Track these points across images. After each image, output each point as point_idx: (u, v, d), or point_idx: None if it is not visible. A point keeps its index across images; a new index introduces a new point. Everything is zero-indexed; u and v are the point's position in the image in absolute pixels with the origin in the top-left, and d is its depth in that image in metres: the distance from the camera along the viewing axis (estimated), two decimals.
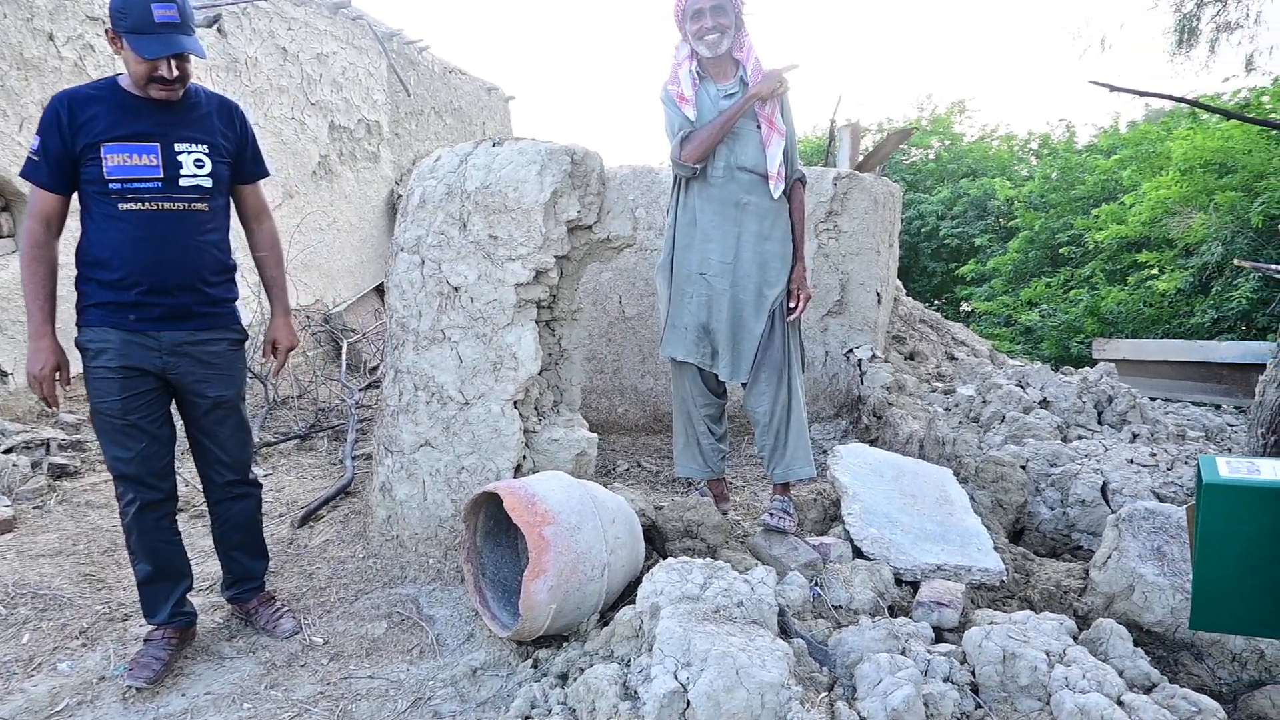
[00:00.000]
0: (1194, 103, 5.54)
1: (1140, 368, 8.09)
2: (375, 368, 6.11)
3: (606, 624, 2.34)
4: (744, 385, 3.20)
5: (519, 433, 2.95)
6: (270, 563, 2.97)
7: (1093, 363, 6.85)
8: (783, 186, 3.10)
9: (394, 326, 3.16)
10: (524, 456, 2.99)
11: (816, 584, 2.60)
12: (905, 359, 6.12)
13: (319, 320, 6.67)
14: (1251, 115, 7.91)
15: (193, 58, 2.33)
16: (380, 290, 7.23)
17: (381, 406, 3.25)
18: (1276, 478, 1.16)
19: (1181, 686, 2.29)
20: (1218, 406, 7.15)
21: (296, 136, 6.68)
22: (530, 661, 2.39)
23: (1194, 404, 6.90)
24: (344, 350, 6.11)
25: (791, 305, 3.13)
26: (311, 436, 5.05)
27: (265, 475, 4.28)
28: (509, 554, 2.77)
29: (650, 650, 2.03)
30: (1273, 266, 3.19)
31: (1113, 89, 5.28)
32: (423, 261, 3.02)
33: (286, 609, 2.79)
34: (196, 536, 3.41)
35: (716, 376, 3.22)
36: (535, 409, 3.08)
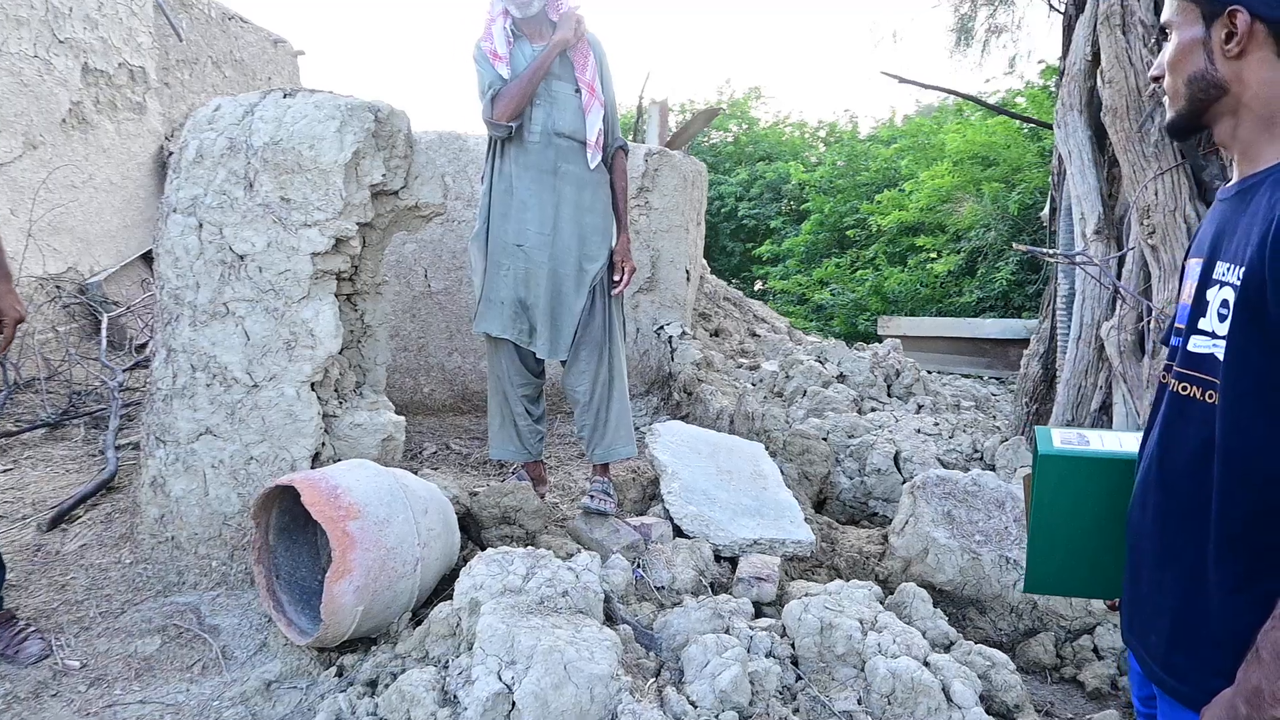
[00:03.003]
0: (970, 97, 6.03)
1: (918, 343, 8.83)
2: (143, 346, 5.44)
3: (420, 623, 2.18)
4: (563, 363, 3.09)
5: (317, 418, 2.68)
6: (9, 574, 2.53)
7: (879, 339, 7.37)
8: (600, 155, 3.00)
9: (165, 299, 2.77)
10: (323, 444, 2.73)
11: (639, 566, 2.56)
12: (711, 336, 6.27)
13: (72, 291, 5.83)
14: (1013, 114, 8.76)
15: None
16: (148, 258, 6.45)
17: (151, 390, 2.85)
18: (1104, 448, 1.24)
19: (970, 640, 2.47)
20: (981, 377, 7.93)
21: (41, 78, 5.76)
22: (334, 669, 2.18)
23: (964, 376, 7.61)
24: (104, 325, 5.37)
25: (616, 279, 3.04)
26: (64, 424, 4.40)
27: (3, 471, 3.68)
28: (307, 552, 2.51)
29: (470, 649, 1.90)
30: (1044, 250, 3.50)
31: (902, 80, 5.65)
32: (200, 225, 2.66)
33: (32, 629, 2.37)
34: None
35: (535, 354, 3.09)
36: (336, 391, 2.82)
